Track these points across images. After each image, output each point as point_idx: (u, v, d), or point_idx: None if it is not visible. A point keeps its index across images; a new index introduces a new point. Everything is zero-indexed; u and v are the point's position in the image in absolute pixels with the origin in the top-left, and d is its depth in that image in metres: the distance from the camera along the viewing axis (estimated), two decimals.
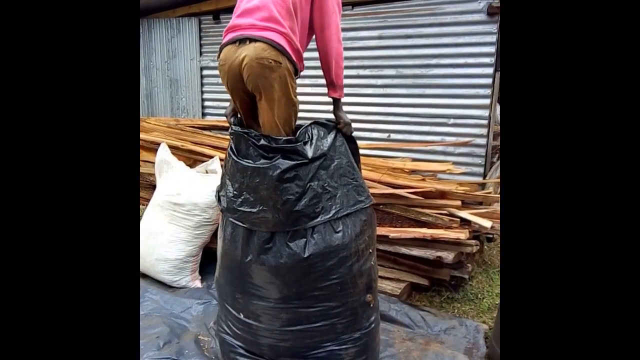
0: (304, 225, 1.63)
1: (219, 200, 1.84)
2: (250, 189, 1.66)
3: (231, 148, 1.76)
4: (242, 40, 1.59)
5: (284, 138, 1.66)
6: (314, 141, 1.66)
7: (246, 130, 1.70)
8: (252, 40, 1.57)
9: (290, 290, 1.67)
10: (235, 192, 1.72)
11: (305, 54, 1.78)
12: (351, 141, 1.83)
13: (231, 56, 1.61)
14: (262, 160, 1.64)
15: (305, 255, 1.61)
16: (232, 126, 1.77)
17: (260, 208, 1.65)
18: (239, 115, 1.83)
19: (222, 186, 1.83)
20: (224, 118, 1.93)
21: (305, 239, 1.63)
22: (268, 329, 1.75)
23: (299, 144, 1.64)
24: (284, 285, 1.67)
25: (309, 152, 1.63)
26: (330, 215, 1.64)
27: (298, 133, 1.69)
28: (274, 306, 1.71)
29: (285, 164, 1.60)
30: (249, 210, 1.67)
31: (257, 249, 1.67)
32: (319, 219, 1.63)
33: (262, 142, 1.64)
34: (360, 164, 1.88)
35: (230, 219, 1.76)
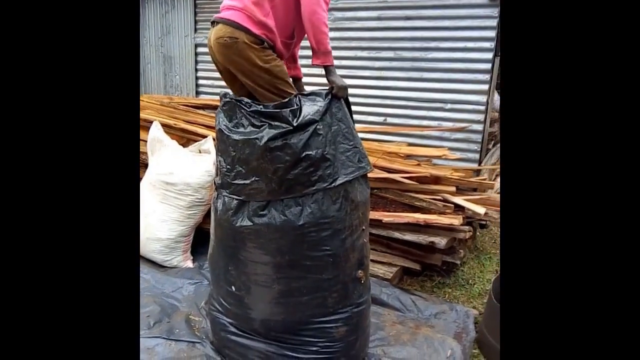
0: (299, 193, 1.63)
1: (214, 182, 1.86)
2: (241, 161, 1.68)
3: (222, 124, 1.76)
4: (212, 23, 1.82)
5: (274, 104, 1.69)
6: (302, 109, 1.64)
7: (239, 98, 1.73)
8: (214, 22, 1.80)
9: (283, 258, 1.68)
10: (228, 167, 1.74)
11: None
12: (346, 104, 1.79)
13: (208, 37, 1.86)
14: (251, 129, 1.67)
15: (300, 223, 1.63)
16: (227, 95, 1.78)
17: (254, 179, 1.66)
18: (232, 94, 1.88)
19: (215, 170, 1.85)
20: (218, 97, 1.91)
21: (300, 207, 1.64)
22: (260, 301, 1.76)
23: (285, 110, 1.63)
24: (276, 252, 1.68)
25: (294, 120, 1.62)
26: (327, 183, 1.64)
27: (286, 101, 1.69)
28: (266, 276, 1.72)
29: (270, 133, 1.61)
30: (242, 182, 1.69)
31: (252, 214, 1.69)
32: (314, 187, 1.63)
33: (253, 107, 1.67)
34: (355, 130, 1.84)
35: (225, 194, 1.76)
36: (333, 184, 1.64)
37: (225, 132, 1.73)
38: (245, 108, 1.68)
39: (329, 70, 1.80)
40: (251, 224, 1.68)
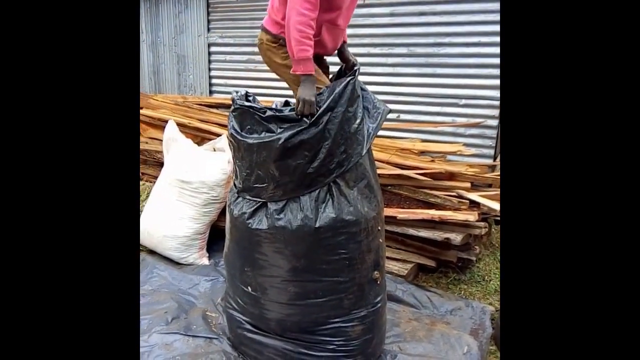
0: (320, 185, 1.64)
1: (235, 186, 1.85)
2: (259, 164, 1.67)
3: (234, 129, 1.73)
4: None
5: (290, 107, 1.69)
6: (319, 105, 1.61)
7: (251, 104, 1.70)
8: None
9: (299, 262, 1.68)
10: (247, 171, 1.73)
11: None
12: None
13: None
14: (267, 134, 1.64)
15: (317, 226, 1.62)
16: (237, 101, 1.73)
17: (274, 180, 1.65)
18: (244, 92, 1.81)
19: (234, 174, 1.85)
20: (231, 95, 1.90)
21: (317, 211, 1.63)
22: (276, 302, 1.77)
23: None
24: (293, 257, 1.68)
25: (311, 117, 1.60)
26: (344, 167, 1.64)
27: None
28: (282, 279, 1.73)
29: (287, 134, 1.59)
30: (263, 185, 1.69)
31: (269, 218, 1.69)
32: (334, 175, 1.64)
33: (269, 113, 1.64)
34: None
35: (247, 197, 1.76)
36: (349, 165, 1.64)
37: (239, 137, 1.71)
38: (260, 114, 1.64)
39: (301, 81, 1.64)
40: (267, 227, 1.69)
